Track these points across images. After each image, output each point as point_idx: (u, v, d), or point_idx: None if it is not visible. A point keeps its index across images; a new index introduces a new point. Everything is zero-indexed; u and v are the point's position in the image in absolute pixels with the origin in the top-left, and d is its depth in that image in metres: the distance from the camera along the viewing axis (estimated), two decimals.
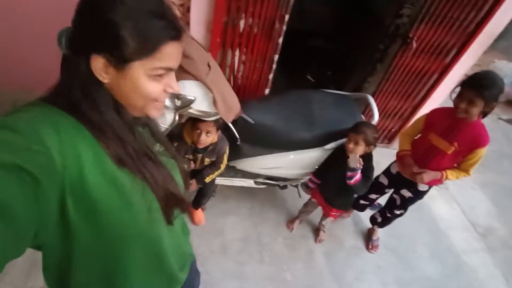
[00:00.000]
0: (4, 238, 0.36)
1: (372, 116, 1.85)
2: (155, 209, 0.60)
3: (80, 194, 0.49)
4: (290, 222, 2.15)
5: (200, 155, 1.60)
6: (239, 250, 1.92)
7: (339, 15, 3.76)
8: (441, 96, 2.65)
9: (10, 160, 0.39)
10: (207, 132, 1.47)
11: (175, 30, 0.53)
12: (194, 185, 1.73)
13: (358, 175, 1.58)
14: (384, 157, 2.83)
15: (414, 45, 2.23)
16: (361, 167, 1.57)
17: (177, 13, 1.34)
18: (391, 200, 2.00)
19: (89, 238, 0.54)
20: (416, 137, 1.79)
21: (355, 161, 1.55)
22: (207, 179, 1.69)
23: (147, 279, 0.71)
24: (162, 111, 0.63)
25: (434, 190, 2.69)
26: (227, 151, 1.64)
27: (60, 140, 0.47)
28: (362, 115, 1.91)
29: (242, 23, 1.94)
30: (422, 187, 1.78)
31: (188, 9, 1.87)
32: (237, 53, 2.10)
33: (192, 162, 1.66)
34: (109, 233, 0.56)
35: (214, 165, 1.66)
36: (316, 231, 2.12)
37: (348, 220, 2.30)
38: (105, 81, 0.53)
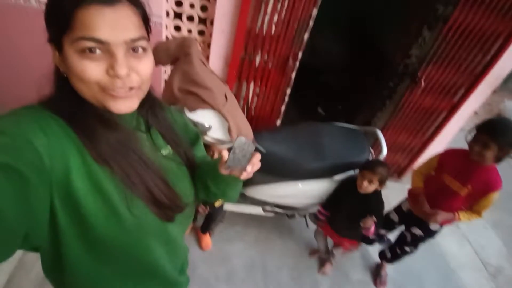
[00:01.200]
0: None
1: (380, 150, 1.89)
2: (142, 215, 0.58)
3: (66, 197, 0.48)
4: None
5: None
6: (243, 279, 1.92)
7: (350, 52, 3.94)
8: (451, 133, 2.68)
9: (2, 160, 0.39)
10: (220, 152, 1.56)
11: None
12: (203, 210, 1.78)
13: (372, 228, 1.61)
14: (393, 192, 2.83)
15: (423, 84, 2.31)
16: (371, 226, 1.60)
17: (201, 55, 1.44)
18: (401, 236, 1.98)
19: (76, 244, 0.54)
20: (429, 175, 1.79)
21: (369, 224, 1.59)
22: (217, 203, 1.73)
23: (143, 286, 0.70)
24: (130, 103, 0.54)
25: (444, 227, 2.65)
26: None
27: (47, 141, 0.46)
28: (371, 149, 1.96)
29: (258, 59, 2.08)
30: (434, 226, 1.77)
31: (208, 45, 2.03)
32: (251, 85, 2.23)
33: None
34: (95, 239, 0.55)
35: None
36: (323, 261, 2.10)
37: (356, 254, 2.28)
38: (61, 70, 0.52)
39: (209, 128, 1.34)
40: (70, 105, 0.52)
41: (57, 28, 0.47)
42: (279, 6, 1.85)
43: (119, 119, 0.57)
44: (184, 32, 2.01)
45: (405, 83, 2.47)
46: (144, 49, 0.53)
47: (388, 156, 2.82)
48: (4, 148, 0.41)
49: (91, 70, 0.48)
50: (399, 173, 3.01)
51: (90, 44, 0.46)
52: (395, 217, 2.00)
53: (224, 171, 0.66)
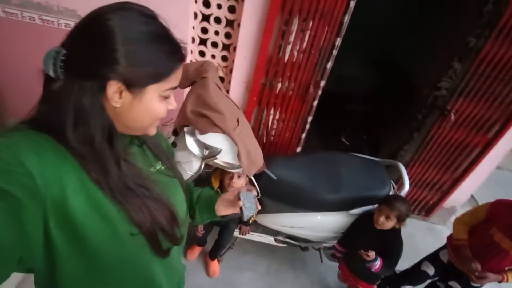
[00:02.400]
0: None
1: (402, 185, 1.78)
2: (140, 236, 0.58)
3: (62, 217, 0.48)
4: None
5: None
6: None
7: (377, 81, 3.86)
8: (486, 171, 2.48)
9: None
10: (239, 176, 1.55)
11: (182, 53, 0.57)
12: (200, 231, 1.78)
13: (378, 264, 1.50)
14: (419, 230, 2.65)
15: (453, 117, 2.18)
16: (372, 258, 1.50)
17: (221, 73, 1.53)
18: (432, 287, 1.80)
19: (72, 263, 0.53)
20: (475, 227, 1.60)
21: (371, 256, 1.49)
22: (250, 221, 1.75)
23: None
24: (155, 130, 0.64)
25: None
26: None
27: (41, 162, 0.46)
28: (392, 183, 1.84)
29: (278, 86, 2.09)
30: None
31: (231, 71, 2.08)
32: (271, 112, 2.22)
33: None
34: (94, 258, 0.55)
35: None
36: None
37: None
38: (117, 105, 0.52)
39: (220, 151, 1.34)
40: (92, 135, 0.52)
41: (149, 78, 0.53)
42: (301, 34, 1.87)
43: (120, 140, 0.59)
44: (208, 57, 2.07)
45: (434, 116, 2.36)
46: None
47: (415, 192, 2.67)
48: None
49: (163, 108, 0.58)
50: (427, 211, 2.80)
51: (172, 92, 0.58)
52: (430, 270, 1.80)
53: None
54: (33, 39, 1.92)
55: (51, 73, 0.48)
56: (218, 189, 1.64)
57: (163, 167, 0.72)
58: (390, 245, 1.57)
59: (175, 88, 0.59)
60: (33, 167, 0.45)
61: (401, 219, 1.51)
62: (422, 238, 2.58)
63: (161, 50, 0.53)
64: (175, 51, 0.55)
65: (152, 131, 0.62)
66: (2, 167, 0.42)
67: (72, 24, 1.88)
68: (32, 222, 0.44)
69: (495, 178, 3.45)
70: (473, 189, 2.63)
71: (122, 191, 0.54)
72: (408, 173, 2.09)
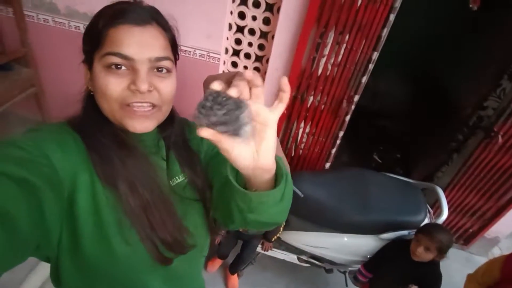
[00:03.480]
0: (4, 247, 0.36)
1: (440, 211, 1.64)
2: (137, 247, 0.55)
3: (70, 213, 0.49)
4: None
5: None
6: None
7: (414, 98, 3.67)
8: None
9: (17, 172, 0.40)
10: None
11: (127, 14, 0.50)
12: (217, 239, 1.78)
13: None
14: (456, 261, 2.44)
15: (500, 140, 2.01)
16: None
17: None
18: None
19: (68, 260, 0.53)
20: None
21: None
22: (273, 238, 1.72)
23: None
24: (147, 123, 0.53)
25: None
26: None
27: (63, 156, 0.48)
28: (429, 208, 1.71)
29: (310, 99, 2.03)
30: None
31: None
32: (302, 125, 2.17)
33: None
34: (86, 262, 0.53)
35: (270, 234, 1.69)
36: None
37: None
38: (90, 88, 0.54)
39: None
40: (91, 123, 0.54)
41: (90, 46, 0.51)
42: (336, 48, 1.82)
43: (138, 142, 0.57)
44: (240, 68, 2.07)
45: (477, 137, 2.18)
46: (168, 70, 0.54)
47: (453, 218, 2.47)
48: (21, 162, 0.42)
49: (115, 85, 0.49)
50: (466, 239, 2.58)
51: (116, 59, 0.49)
52: None
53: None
54: (77, 47, 2.02)
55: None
56: None
57: (184, 182, 0.65)
58: (426, 278, 1.44)
59: (126, 57, 0.49)
60: (56, 160, 0.46)
61: (442, 252, 1.38)
62: (459, 270, 2.36)
63: (101, 15, 0.51)
64: (116, 13, 0.50)
65: (129, 125, 0.52)
66: (26, 157, 0.43)
67: None
68: (52, 213, 0.44)
69: None
70: None
71: (122, 188, 0.53)
72: (446, 197, 1.93)
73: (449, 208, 2.40)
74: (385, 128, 3.57)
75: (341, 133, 2.19)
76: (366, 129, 3.40)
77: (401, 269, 1.50)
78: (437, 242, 1.35)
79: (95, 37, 0.50)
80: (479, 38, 2.69)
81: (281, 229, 1.70)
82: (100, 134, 0.53)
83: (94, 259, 0.53)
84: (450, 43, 3.20)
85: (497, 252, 2.60)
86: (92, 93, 0.54)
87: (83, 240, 0.51)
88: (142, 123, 0.53)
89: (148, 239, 0.55)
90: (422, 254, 1.38)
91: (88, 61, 0.52)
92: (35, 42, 2.03)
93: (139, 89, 0.49)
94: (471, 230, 2.54)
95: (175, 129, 0.65)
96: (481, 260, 2.52)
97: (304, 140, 2.25)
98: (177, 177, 0.65)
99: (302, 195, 1.52)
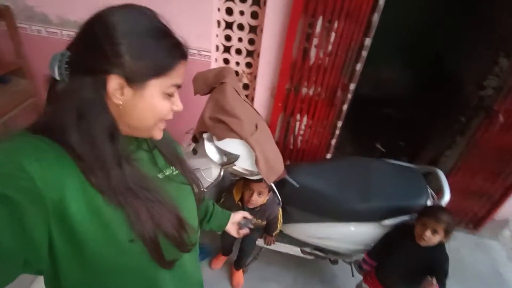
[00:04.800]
0: None
1: (442, 194, 1.61)
2: (141, 242, 0.56)
3: (62, 221, 0.48)
4: None
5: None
6: None
7: (415, 83, 3.62)
8: None
9: None
10: (259, 193, 1.51)
11: (183, 49, 0.57)
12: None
13: None
14: (465, 245, 2.40)
15: (501, 119, 1.96)
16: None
17: (246, 80, 1.57)
18: None
19: (73, 268, 0.53)
20: None
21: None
22: (275, 233, 1.73)
23: None
24: (161, 133, 0.63)
25: None
26: (280, 214, 1.63)
27: (41, 166, 0.46)
28: (431, 192, 1.67)
29: (304, 90, 2.02)
30: None
31: (255, 77, 2.06)
32: (298, 117, 2.16)
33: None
34: (94, 264, 0.54)
35: (274, 224, 1.68)
36: None
37: None
38: (119, 102, 0.53)
39: (237, 157, 1.30)
40: (93, 134, 0.51)
41: (150, 71, 0.53)
42: (326, 36, 1.80)
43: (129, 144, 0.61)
44: (232, 64, 2.07)
45: (480, 117, 2.14)
46: None
47: (461, 202, 2.42)
48: None
49: (166, 107, 0.58)
50: (475, 223, 2.52)
51: (174, 89, 0.58)
52: None
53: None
54: None
55: (57, 76, 0.50)
56: (239, 202, 1.61)
57: (174, 173, 0.70)
58: (436, 262, 1.40)
59: (179, 87, 0.58)
60: (33, 171, 0.44)
61: (449, 232, 1.35)
62: (469, 254, 2.32)
63: (161, 44, 0.54)
64: (175, 46, 0.56)
65: (157, 134, 0.62)
66: (3, 172, 0.42)
67: None
68: (35, 225, 0.43)
69: None
70: None
71: (123, 193, 0.53)
72: (451, 181, 1.90)
73: (455, 192, 2.35)
74: (388, 116, 3.52)
75: (339, 123, 2.17)
76: (369, 118, 3.36)
77: (405, 254, 1.47)
78: (444, 223, 1.32)
79: (162, 65, 0.54)
80: (476, 18, 2.65)
81: (280, 221, 1.69)
82: (94, 142, 0.52)
83: (103, 259, 0.54)
84: (449, 27, 3.15)
85: (507, 234, 2.54)
86: (120, 107, 0.54)
87: (89, 244, 0.51)
88: (162, 132, 0.63)
89: (151, 238, 0.56)
90: (430, 237, 1.35)
91: (136, 81, 0.53)
92: (30, 53, 2.06)
93: (180, 110, 0.61)
94: (479, 214, 2.49)
95: None
96: (492, 243, 2.47)
97: (302, 132, 2.23)
98: (166, 170, 0.69)
99: (298, 186, 1.50)
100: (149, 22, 0.54)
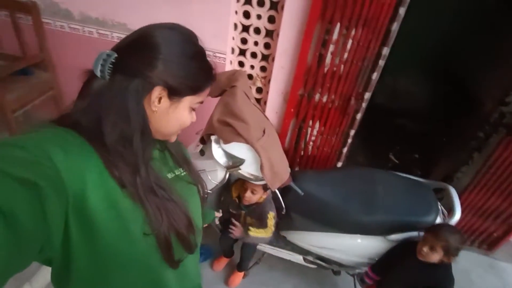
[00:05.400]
0: (10, 248, 0.36)
1: (452, 213, 1.55)
2: (153, 241, 0.59)
3: (81, 213, 0.50)
4: None
5: (243, 212, 1.62)
6: None
7: (435, 96, 3.51)
8: None
9: (21, 173, 0.40)
10: (253, 191, 1.51)
11: (214, 73, 0.65)
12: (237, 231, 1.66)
13: None
14: (478, 266, 2.31)
15: None
16: None
17: (260, 83, 1.57)
18: None
19: (85, 259, 0.54)
20: None
21: None
22: (251, 232, 1.59)
23: None
24: (175, 138, 0.70)
25: None
26: (273, 215, 1.59)
27: (66, 157, 0.48)
28: (442, 209, 1.62)
29: (317, 97, 2.00)
30: None
31: (269, 81, 2.06)
32: (310, 123, 2.14)
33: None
34: (105, 257, 0.56)
35: (260, 224, 1.61)
36: None
37: None
38: (155, 109, 0.58)
39: (243, 161, 1.30)
40: (128, 133, 0.56)
41: (188, 90, 0.61)
42: (342, 43, 1.78)
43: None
44: (247, 67, 2.08)
45: (499, 135, 2.06)
46: None
47: (476, 222, 2.34)
48: (24, 163, 0.43)
49: (189, 119, 0.65)
50: (490, 244, 2.42)
51: (199, 105, 0.66)
52: None
53: None
54: (91, 50, 2.11)
55: (98, 73, 0.53)
56: (236, 199, 1.62)
57: (183, 174, 0.74)
58: (437, 282, 1.37)
59: (202, 103, 0.66)
60: (58, 162, 0.46)
61: (449, 252, 1.31)
62: (481, 276, 2.22)
63: (201, 67, 0.62)
64: (210, 69, 0.64)
65: (174, 139, 0.69)
66: (31, 159, 0.44)
67: (123, 37, 2.03)
68: (54, 213, 0.45)
69: None
70: None
71: (145, 190, 0.57)
72: (466, 199, 1.83)
73: (469, 211, 2.28)
74: (404, 127, 3.44)
75: (352, 132, 2.13)
76: (384, 128, 3.29)
77: (409, 271, 1.44)
78: (442, 241, 1.28)
79: (197, 85, 0.62)
80: (500, 32, 2.55)
81: (270, 226, 1.59)
82: (128, 140, 0.56)
83: (115, 252, 0.56)
84: (471, 39, 3.05)
85: None
86: (155, 113, 0.60)
87: (103, 235, 0.53)
88: (176, 136, 0.70)
89: (165, 236, 0.59)
90: (427, 254, 1.32)
91: (176, 96, 0.60)
92: (52, 48, 2.14)
93: (194, 121, 0.68)
94: (495, 234, 2.38)
95: None
96: (506, 266, 2.36)
97: (313, 139, 2.21)
98: (175, 170, 0.74)
99: (302, 193, 1.49)
100: (194, 46, 0.61)
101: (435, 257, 1.32)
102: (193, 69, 0.59)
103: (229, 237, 1.69)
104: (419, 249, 1.37)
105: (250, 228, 1.59)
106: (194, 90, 0.61)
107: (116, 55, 0.54)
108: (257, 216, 1.61)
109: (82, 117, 0.54)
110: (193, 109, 0.65)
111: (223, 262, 1.97)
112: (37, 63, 2.10)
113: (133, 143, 0.56)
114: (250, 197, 1.51)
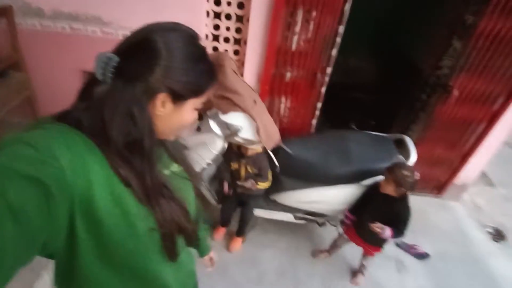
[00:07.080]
0: (17, 241, 0.38)
1: (408, 156, 1.90)
2: (155, 235, 0.61)
3: (87, 212, 0.50)
4: (320, 251, 2.18)
5: (243, 162, 1.80)
6: (274, 282, 1.96)
7: (379, 67, 4.04)
8: (494, 145, 2.56)
9: (29, 171, 0.41)
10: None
11: (216, 72, 0.65)
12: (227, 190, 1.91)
13: (388, 233, 1.62)
14: (431, 207, 2.75)
15: (456, 93, 2.29)
16: (381, 229, 1.62)
17: (235, 66, 1.64)
18: None
19: (91, 255, 0.55)
20: None
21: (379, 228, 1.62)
22: (259, 185, 1.81)
23: None
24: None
25: (494, 247, 2.47)
26: (270, 172, 1.82)
27: (71, 156, 0.48)
28: (399, 155, 1.95)
29: (288, 74, 2.24)
30: None
31: (243, 63, 2.25)
32: (283, 99, 2.38)
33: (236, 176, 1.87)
34: (111, 253, 0.57)
35: (261, 176, 1.82)
36: (355, 272, 2.07)
37: (391, 263, 2.21)
38: (159, 113, 0.58)
39: (240, 129, 1.50)
40: (140, 135, 0.56)
41: (192, 93, 0.61)
42: (305, 24, 2.03)
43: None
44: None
45: (438, 94, 2.46)
46: None
47: (426, 170, 2.76)
48: (32, 161, 0.43)
49: (192, 118, 0.65)
50: (438, 188, 2.88)
51: (202, 105, 0.66)
52: None
53: None
54: (64, 46, 2.13)
55: (99, 76, 0.52)
56: (237, 150, 1.81)
57: (178, 170, 0.74)
58: (398, 212, 1.67)
59: (205, 102, 0.67)
60: (64, 160, 0.47)
61: (398, 184, 1.59)
62: (435, 214, 2.67)
63: (203, 69, 0.61)
64: (211, 70, 0.64)
65: (173, 137, 0.70)
66: (37, 158, 0.44)
67: (97, 30, 2.07)
68: (59, 211, 0.46)
69: (508, 156, 3.52)
70: (482, 164, 2.70)
71: (153, 194, 0.59)
72: (417, 152, 2.19)
73: (421, 162, 2.68)
74: (359, 100, 3.89)
75: (319, 104, 2.41)
76: (342, 104, 3.67)
77: (376, 206, 1.73)
78: (392, 175, 1.60)
79: (200, 88, 0.62)
80: (431, 6, 2.99)
81: (269, 179, 1.85)
82: (134, 141, 0.56)
83: (119, 247, 0.57)
84: (409, 13, 3.52)
85: (466, 198, 2.93)
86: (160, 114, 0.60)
87: (110, 236, 0.54)
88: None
89: (170, 231, 0.62)
90: (383, 186, 1.65)
91: (179, 100, 0.60)
92: (25, 48, 2.12)
93: (196, 119, 0.68)
94: (442, 180, 2.84)
95: None
96: (454, 204, 2.84)
97: (286, 114, 2.46)
98: (170, 167, 0.74)
99: (292, 152, 1.73)
100: (197, 48, 0.60)
101: (389, 188, 1.63)
102: (196, 73, 0.59)
103: (229, 209, 1.88)
104: (380, 184, 1.68)
105: (259, 183, 1.81)
106: (198, 93, 0.61)
107: (117, 59, 0.53)
108: (257, 165, 1.80)
109: (84, 118, 0.53)
110: (197, 109, 0.65)
111: (222, 231, 2.16)
112: (11, 64, 2.07)
113: (140, 148, 0.56)
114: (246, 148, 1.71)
